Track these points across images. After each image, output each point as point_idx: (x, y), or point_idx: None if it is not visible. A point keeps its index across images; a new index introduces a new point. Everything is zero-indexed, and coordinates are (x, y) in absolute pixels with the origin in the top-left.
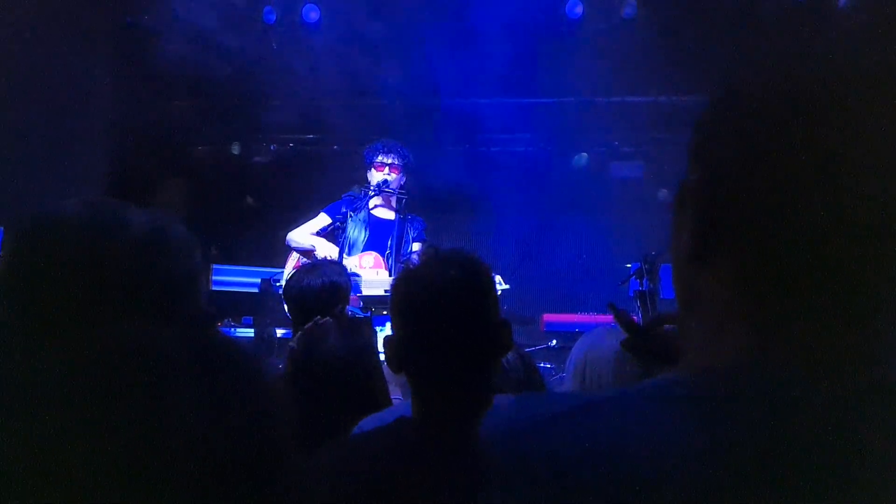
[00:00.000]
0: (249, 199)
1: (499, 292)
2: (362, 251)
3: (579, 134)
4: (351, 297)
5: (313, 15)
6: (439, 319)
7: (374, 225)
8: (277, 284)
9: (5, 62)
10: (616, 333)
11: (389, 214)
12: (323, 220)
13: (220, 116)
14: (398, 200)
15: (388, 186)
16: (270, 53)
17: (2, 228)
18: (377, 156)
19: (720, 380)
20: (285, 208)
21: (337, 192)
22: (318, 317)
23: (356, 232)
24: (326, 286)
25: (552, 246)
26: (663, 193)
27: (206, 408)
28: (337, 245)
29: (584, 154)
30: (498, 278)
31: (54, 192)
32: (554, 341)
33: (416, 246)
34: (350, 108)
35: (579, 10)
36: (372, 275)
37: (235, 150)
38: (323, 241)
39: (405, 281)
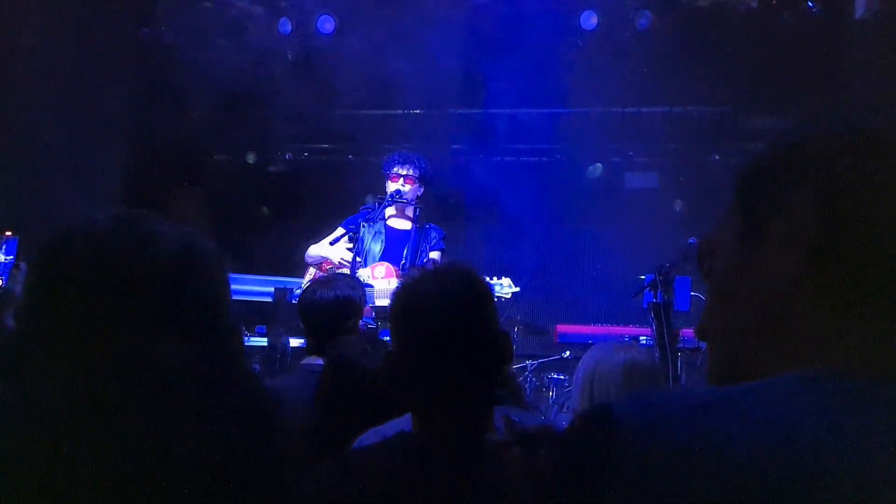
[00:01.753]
0: (264, 209)
1: (509, 295)
2: (377, 262)
3: (594, 144)
4: (366, 308)
5: (328, 25)
6: (436, 333)
7: (389, 235)
8: (297, 293)
9: (24, 72)
10: (624, 347)
11: (406, 225)
12: (340, 234)
13: (236, 126)
14: (414, 210)
15: (402, 197)
16: (286, 63)
17: (17, 238)
18: (393, 166)
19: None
20: (300, 217)
21: (352, 202)
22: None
23: (372, 243)
24: (339, 299)
25: (566, 256)
26: (678, 204)
27: (225, 422)
28: (357, 255)
29: (599, 164)
30: (507, 281)
31: (71, 202)
32: (567, 352)
33: (434, 255)
34: (365, 118)
35: (594, 21)
36: (384, 285)
37: (251, 159)
38: (337, 247)
39: (401, 295)
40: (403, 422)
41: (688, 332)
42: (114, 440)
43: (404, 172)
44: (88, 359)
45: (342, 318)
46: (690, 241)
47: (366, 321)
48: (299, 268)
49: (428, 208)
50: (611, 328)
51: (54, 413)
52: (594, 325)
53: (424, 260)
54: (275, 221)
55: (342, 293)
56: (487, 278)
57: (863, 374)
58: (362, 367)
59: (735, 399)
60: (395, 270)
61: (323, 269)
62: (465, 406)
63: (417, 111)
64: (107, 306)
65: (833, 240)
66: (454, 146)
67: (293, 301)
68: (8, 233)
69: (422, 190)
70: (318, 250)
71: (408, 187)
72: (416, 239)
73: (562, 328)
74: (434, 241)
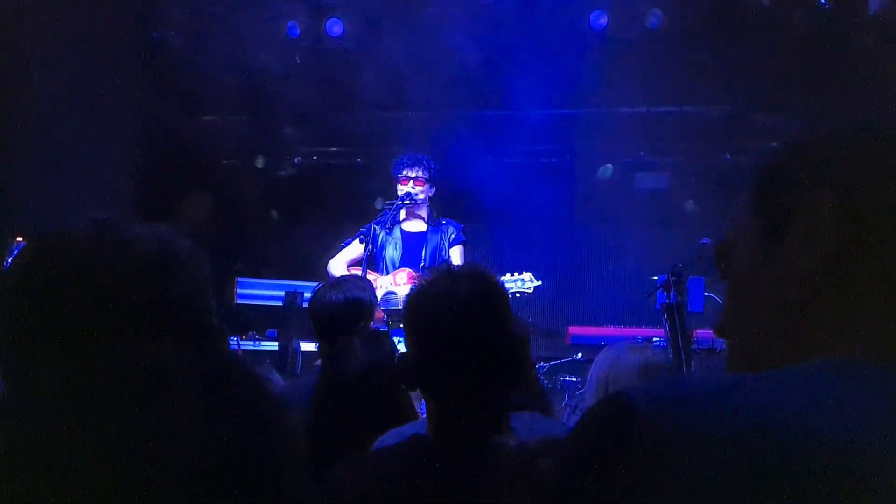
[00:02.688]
0: (274, 213)
1: (531, 290)
2: (397, 268)
3: (604, 145)
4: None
5: (337, 28)
6: (450, 335)
7: (406, 239)
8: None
9: (34, 77)
10: (639, 349)
11: (420, 226)
12: (358, 245)
13: (245, 130)
14: (427, 211)
15: (412, 199)
16: (294, 67)
17: (24, 242)
18: (402, 169)
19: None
20: (309, 221)
21: (361, 205)
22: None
23: (390, 249)
24: (349, 301)
25: (577, 257)
26: (689, 204)
27: (213, 426)
28: (375, 263)
29: (609, 165)
30: (529, 276)
31: (80, 207)
32: (579, 354)
33: (455, 250)
34: (374, 121)
35: (604, 20)
36: (407, 291)
37: (260, 163)
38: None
39: (416, 297)
40: (423, 424)
41: (702, 332)
42: (95, 449)
43: (413, 175)
44: (66, 366)
45: (352, 321)
46: (703, 241)
47: (375, 325)
48: (309, 271)
49: (439, 209)
50: (623, 329)
51: (33, 421)
52: (606, 326)
53: (446, 256)
54: (284, 225)
55: (352, 295)
56: (509, 273)
57: (880, 362)
58: (360, 368)
59: (754, 384)
60: (417, 275)
61: None
62: (479, 409)
63: (426, 113)
64: (83, 312)
65: (853, 238)
66: (463, 147)
67: (304, 305)
68: (18, 238)
69: (433, 190)
70: (336, 269)
71: (418, 189)
72: (432, 238)
73: (574, 330)
74: (453, 235)
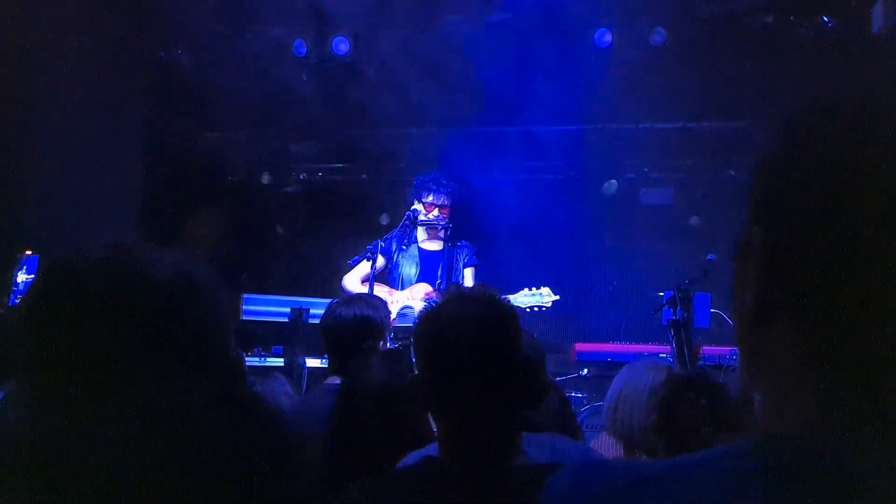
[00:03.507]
0: (279, 229)
1: (549, 304)
2: (414, 284)
3: (608, 161)
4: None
5: (343, 47)
6: (460, 357)
7: (423, 258)
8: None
9: (39, 93)
10: (654, 370)
11: (437, 245)
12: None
13: (251, 147)
14: (445, 231)
15: (440, 225)
16: (301, 85)
17: (37, 256)
18: (427, 195)
19: (790, 449)
20: (315, 237)
21: (366, 221)
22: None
23: (408, 267)
24: (358, 319)
25: (583, 273)
26: (694, 220)
27: (232, 459)
28: (391, 279)
29: (614, 181)
30: (547, 290)
31: (90, 221)
32: (585, 370)
33: (468, 272)
34: (379, 138)
35: (608, 38)
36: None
37: (265, 179)
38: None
39: (426, 320)
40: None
41: (708, 349)
42: (111, 475)
43: (440, 203)
44: (83, 394)
45: (361, 338)
46: (709, 257)
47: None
48: (315, 287)
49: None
50: (630, 346)
51: (48, 447)
52: (613, 342)
53: (460, 277)
54: (290, 242)
55: (362, 313)
56: (527, 288)
57: (812, 441)
58: (379, 388)
59: (671, 474)
60: (434, 290)
61: None
62: (489, 432)
63: (431, 130)
64: (100, 341)
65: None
66: (468, 164)
67: (309, 321)
68: (28, 252)
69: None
70: (351, 285)
71: (443, 215)
72: (448, 258)
73: (580, 346)
74: (467, 257)
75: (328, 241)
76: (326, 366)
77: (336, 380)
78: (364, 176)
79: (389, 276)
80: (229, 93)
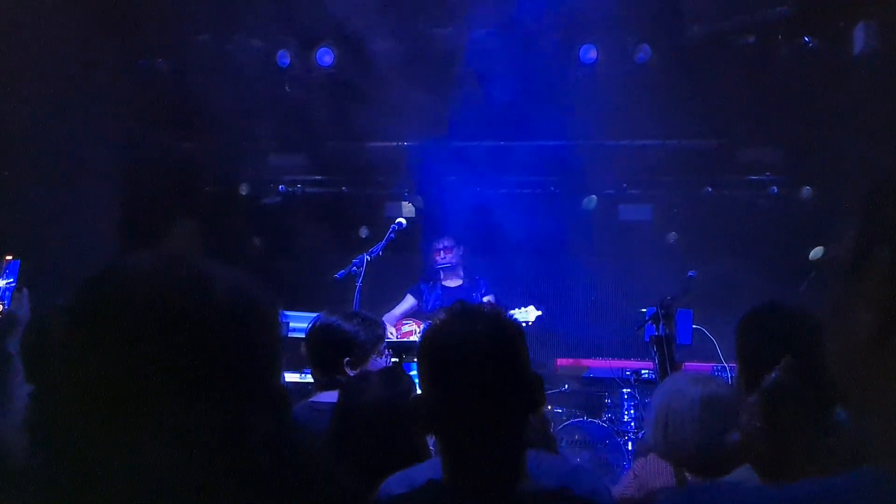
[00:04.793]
0: (256, 241)
1: (533, 319)
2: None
3: (588, 176)
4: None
5: (327, 58)
6: (467, 376)
7: (446, 293)
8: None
9: (24, 96)
10: (701, 381)
11: (457, 282)
12: (409, 301)
13: (229, 157)
14: (463, 269)
15: (445, 265)
16: (283, 96)
17: (18, 261)
18: (435, 244)
19: None
20: (293, 250)
21: (345, 234)
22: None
23: (433, 303)
24: (338, 335)
25: (564, 289)
26: (672, 236)
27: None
28: (423, 316)
29: (594, 196)
30: (531, 308)
31: (71, 226)
32: (566, 385)
33: (486, 299)
34: (359, 151)
35: (593, 54)
36: None
37: (244, 190)
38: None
39: (430, 338)
40: (429, 466)
41: (690, 365)
42: (139, 488)
43: (442, 246)
44: (124, 421)
45: (339, 355)
46: (690, 273)
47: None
48: (294, 301)
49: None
50: (611, 362)
51: (82, 471)
52: (594, 358)
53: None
54: (268, 254)
55: (340, 329)
56: (516, 309)
57: None
58: (376, 404)
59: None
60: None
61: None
62: (498, 453)
63: (413, 143)
64: (145, 361)
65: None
66: (448, 178)
67: (288, 335)
68: (8, 257)
69: (462, 249)
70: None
71: (448, 256)
72: (467, 291)
73: (562, 362)
74: (483, 289)
75: (307, 254)
76: (305, 380)
77: (322, 396)
78: (344, 188)
79: (422, 315)
80: (210, 102)
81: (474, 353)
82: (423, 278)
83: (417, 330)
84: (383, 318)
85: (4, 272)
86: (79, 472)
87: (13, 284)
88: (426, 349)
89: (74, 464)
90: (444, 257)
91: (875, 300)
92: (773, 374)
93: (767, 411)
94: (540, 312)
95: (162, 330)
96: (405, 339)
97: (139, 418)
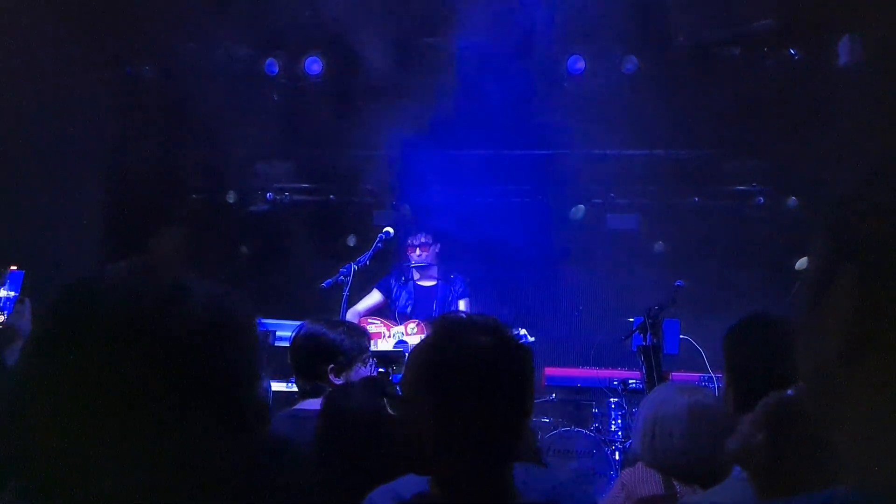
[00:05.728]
0: (244, 249)
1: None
2: (408, 320)
3: (576, 186)
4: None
5: (316, 67)
6: (457, 388)
7: (419, 293)
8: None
9: (15, 105)
10: (688, 390)
11: (431, 281)
12: (375, 296)
13: (217, 165)
14: (437, 269)
15: (420, 262)
16: (271, 104)
17: (22, 272)
18: (410, 239)
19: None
20: (281, 258)
21: (333, 242)
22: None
23: (404, 303)
24: (320, 343)
25: (551, 298)
26: (659, 246)
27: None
28: (391, 313)
29: (581, 206)
30: (524, 332)
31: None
32: (553, 395)
33: (461, 303)
34: (346, 159)
35: (581, 65)
36: (417, 341)
37: (231, 198)
38: None
39: (422, 350)
40: (416, 479)
41: (677, 375)
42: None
43: (418, 242)
44: (97, 433)
45: (323, 362)
46: (677, 283)
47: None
48: (281, 309)
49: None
50: (599, 371)
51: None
52: (582, 367)
53: (455, 309)
54: (255, 262)
55: (324, 337)
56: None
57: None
58: (361, 414)
59: None
60: (427, 326)
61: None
62: (487, 466)
63: (400, 152)
64: (115, 373)
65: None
66: (435, 187)
67: (275, 343)
68: (13, 267)
69: (438, 246)
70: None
71: (424, 255)
72: (442, 293)
73: (550, 371)
74: (460, 290)
75: (294, 262)
76: (291, 390)
77: (306, 404)
78: (332, 197)
79: (388, 312)
80: (197, 110)
81: (484, 369)
82: (393, 274)
83: (387, 333)
84: (346, 314)
85: (7, 283)
86: (47, 495)
87: (16, 295)
88: (416, 360)
89: (41, 489)
90: (420, 255)
91: (839, 317)
92: (787, 392)
93: (772, 426)
94: (533, 339)
95: (131, 343)
96: (392, 350)
97: (108, 433)
